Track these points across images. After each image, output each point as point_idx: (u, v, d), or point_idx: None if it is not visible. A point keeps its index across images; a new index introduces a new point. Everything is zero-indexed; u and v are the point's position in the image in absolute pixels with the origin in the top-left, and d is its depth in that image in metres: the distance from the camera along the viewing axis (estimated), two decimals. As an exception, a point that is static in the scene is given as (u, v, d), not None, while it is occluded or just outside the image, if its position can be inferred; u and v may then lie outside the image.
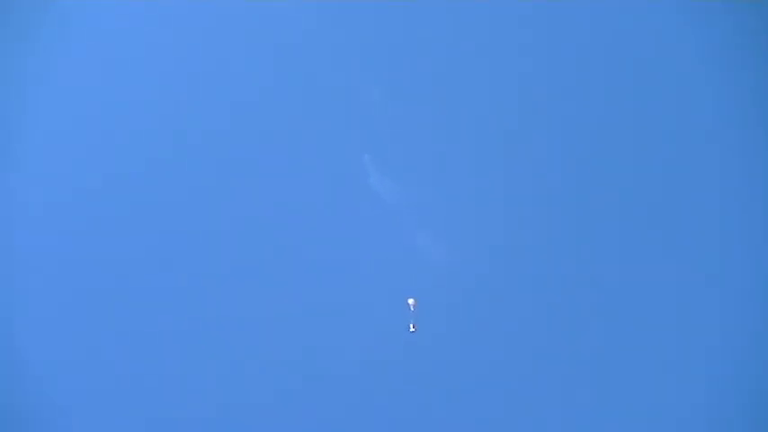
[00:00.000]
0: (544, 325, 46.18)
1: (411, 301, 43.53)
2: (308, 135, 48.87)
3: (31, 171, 47.44)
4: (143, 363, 46.08)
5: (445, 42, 49.38)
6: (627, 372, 45.07)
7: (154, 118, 49.00)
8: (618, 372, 45.16)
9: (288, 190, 48.58)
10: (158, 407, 45.49)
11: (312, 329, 46.59)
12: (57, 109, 48.16)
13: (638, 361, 45.06)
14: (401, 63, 49.44)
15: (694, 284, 45.53)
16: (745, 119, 45.08)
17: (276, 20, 49.71)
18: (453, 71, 49.22)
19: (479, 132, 48.77)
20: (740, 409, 42.23)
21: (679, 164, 46.95)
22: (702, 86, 46.37)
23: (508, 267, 47.31)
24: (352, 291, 47.24)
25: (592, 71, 48.52)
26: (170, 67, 49.57)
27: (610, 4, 48.16)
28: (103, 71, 49.12)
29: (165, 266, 47.47)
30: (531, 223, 47.63)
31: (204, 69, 49.35)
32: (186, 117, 49.19)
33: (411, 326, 43.61)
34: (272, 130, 49.18)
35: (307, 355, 46.37)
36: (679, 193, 46.84)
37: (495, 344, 46.13)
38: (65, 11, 47.82)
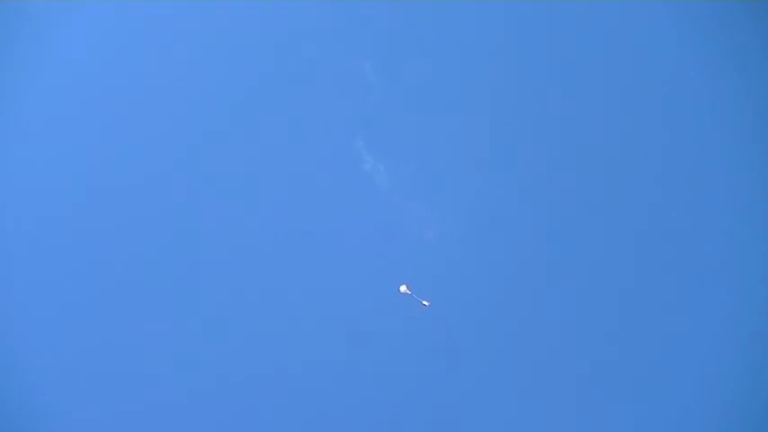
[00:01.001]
0: (540, 311, 46.10)
1: (403, 288, 43.45)
2: (302, 121, 48.66)
3: (27, 171, 47.36)
4: (139, 361, 46.04)
5: (443, 29, 49.00)
6: (624, 365, 45.16)
7: (139, 101, 48.57)
8: (616, 366, 45.26)
9: (282, 179, 48.44)
10: (156, 403, 45.53)
11: (308, 319, 46.60)
12: (52, 109, 47.94)
13: (636, 355, 45.15)
14: (396, 48, 49.16)
15: (693, 282, 45.54)
16: (742, 117, 45.02)
17: (270, 7, 49.32)
18: (449, 58, 48.91)
19: (475, 119, 48.53)
20: (741, 411, 42.36)
21: (679, 161, 46.86)
22: (698, 85, 46.29)
23: (504, 252, 47.23)
24: (347, 277, 47.23)
25: (588, 62, 48.31)
26: (153, 47, 48.92)
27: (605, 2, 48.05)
28: (99, 71, 48.86)
29: (163, 255, 47.09)
30: (528, 210, 47.48)
31: (197, 56, 48.78)
32: (180, 106, 48.72)
33: (423, 302, 43.45)
34: (264, 117, 48.92)
35: (308, 346, 46.26)
36: (677, 190, 46.78)
37: (493, 331, 46.04)
38: (60, 11, 47.58)
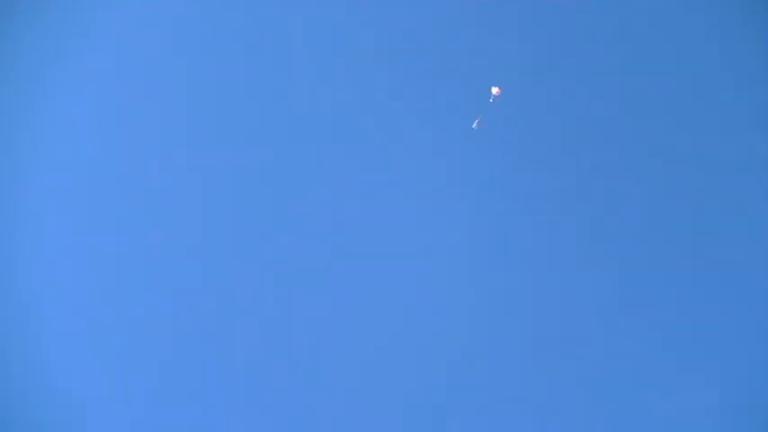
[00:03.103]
0: (547, 320, 46.16)
1: (495, 90, 40.09)
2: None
3: (32, 171, 47.40)
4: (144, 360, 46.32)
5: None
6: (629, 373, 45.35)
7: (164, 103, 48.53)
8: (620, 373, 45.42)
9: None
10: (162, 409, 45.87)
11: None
12: (55, 109, 47.88)
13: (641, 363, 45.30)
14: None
15: (703, 284, 45.53)
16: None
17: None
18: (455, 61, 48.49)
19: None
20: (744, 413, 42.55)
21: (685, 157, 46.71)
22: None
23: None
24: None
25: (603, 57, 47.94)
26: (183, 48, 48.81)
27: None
28: (103, 71, 48.72)
29: (188, 257, 46.78)
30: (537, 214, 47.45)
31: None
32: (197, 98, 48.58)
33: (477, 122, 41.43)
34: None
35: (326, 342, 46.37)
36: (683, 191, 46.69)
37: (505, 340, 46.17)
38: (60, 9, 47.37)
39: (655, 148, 46.90)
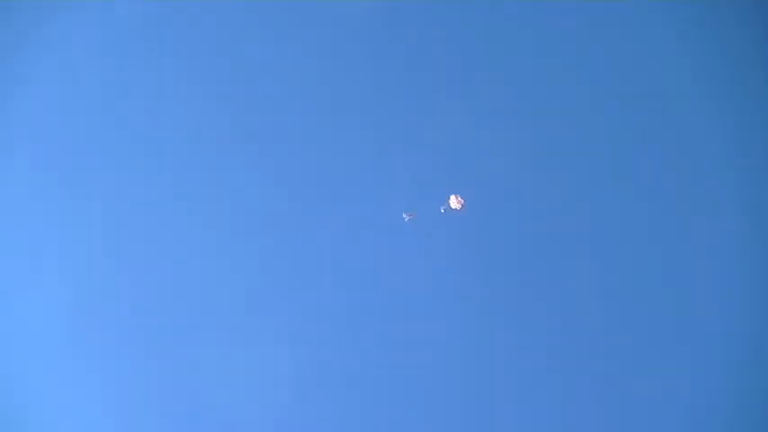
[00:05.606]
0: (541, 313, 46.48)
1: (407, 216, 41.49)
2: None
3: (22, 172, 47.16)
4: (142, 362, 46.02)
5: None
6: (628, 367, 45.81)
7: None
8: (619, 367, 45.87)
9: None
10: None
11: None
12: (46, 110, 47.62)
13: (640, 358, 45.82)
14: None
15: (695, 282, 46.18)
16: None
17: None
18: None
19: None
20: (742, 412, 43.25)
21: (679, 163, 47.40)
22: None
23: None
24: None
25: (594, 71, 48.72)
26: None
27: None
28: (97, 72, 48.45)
29: (192, 250, 46.49)
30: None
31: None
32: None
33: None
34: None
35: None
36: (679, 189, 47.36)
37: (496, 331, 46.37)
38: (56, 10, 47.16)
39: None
